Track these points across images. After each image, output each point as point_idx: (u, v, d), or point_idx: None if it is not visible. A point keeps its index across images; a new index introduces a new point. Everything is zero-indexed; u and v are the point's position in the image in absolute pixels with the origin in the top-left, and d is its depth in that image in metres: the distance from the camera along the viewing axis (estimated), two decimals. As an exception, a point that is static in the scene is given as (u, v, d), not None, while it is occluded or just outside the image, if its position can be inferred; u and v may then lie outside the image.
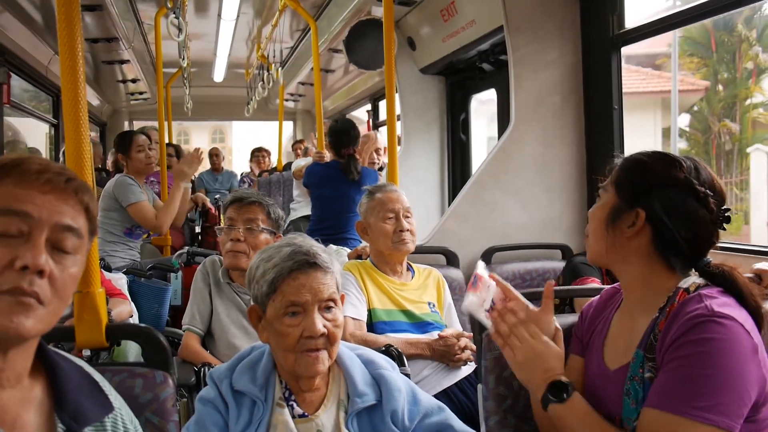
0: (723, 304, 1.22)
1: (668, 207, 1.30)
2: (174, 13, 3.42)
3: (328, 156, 4.18)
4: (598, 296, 1.56)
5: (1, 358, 0.95)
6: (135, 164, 3.85)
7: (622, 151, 3.05)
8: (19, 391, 1.00)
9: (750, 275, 1.89)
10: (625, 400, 1.30)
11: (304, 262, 1.47)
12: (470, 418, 1.82)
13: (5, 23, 3.98)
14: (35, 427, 1.00)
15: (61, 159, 4.83)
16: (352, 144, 3.86)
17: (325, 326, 1.45)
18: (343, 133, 3.86)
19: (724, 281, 1.28)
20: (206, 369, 1.87)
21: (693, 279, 1.31)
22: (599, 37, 3.04)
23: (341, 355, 1.55)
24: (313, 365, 1.45)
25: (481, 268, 1.55)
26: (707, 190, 1.30)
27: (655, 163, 1.35)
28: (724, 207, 1.33)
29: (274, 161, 8.05)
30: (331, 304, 1.48)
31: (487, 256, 3.02)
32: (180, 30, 3.77)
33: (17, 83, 4.70)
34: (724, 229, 1.33)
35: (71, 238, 0.99)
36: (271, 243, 2.29)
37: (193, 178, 7.45)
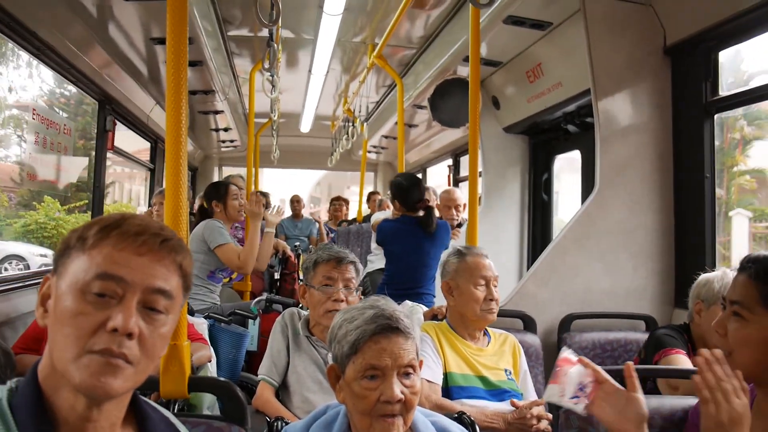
0: None
1: None
2: (268, 71, 3.59)
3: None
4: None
5: (96, 411, 1.00)
6: (229, 211, 4.04)
7: (713, 221, 2.94)
8: None
9: None
10: None
11: (387, 326, 1.48)
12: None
13: (113, 74, 4.29)
14: None
15: (155, 199, 5.10)
16: (423, 197, 3.89)
17: (402, 392, 1.44)
18: (413, 188, 3.89)
19: None
20: (280, 423, 1.89)
21: None
22: (691, 104, 2.97)
23: (416, 421, 1.54)
24: (389, 430, 1.44)
25: (565, 353, 1.52)
26: None
27: None
28: None
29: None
30: (410, 370, 1.48)
31: (566, 324, 2.94)
32: (273, 87, 3.96)
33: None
34: None
35: (163, 299, 1.03)
36: (356, 302, 2.33)
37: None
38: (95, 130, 4.46)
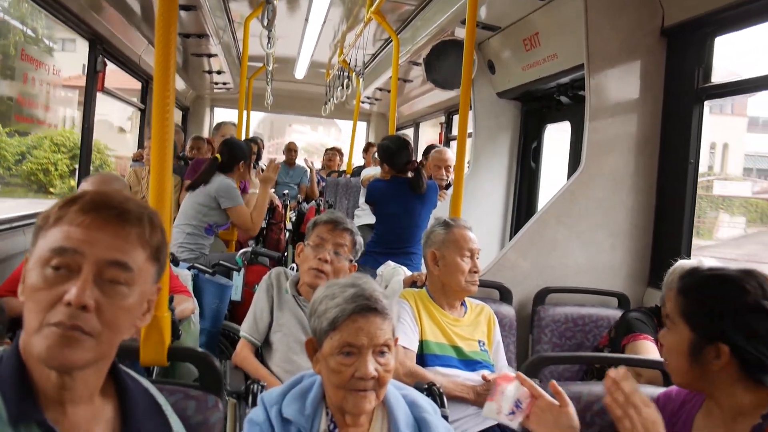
0: None
1: (747, 334, 1.31)
2: (266, 28, 3.55)
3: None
4: (676, 391, 1.56)
5: (69, 380, 1.04)
6: (247, 172, 4.11)
7: (693, 206, 3.00)
8: (90, 407, 1.09)
9: None
10: None
11: (366, 306, 1.53)
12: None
13: (104, 13, 4.21)
14: None
15: (146, 143, 5.10)
16: (411, 159, 3.92)
17: (376, 369, 1.51)
18: (401, 151, 3.92)
19: None
20: (257, 386, 1.97)
21: None
22: (683, 89, 2.98)
23: (387, 394, 1.62)
24: (361, 404, 1.52)
25: (504, 370, 1.65)
26: None
27: (722, 292, 1.35)
28: None
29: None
30: (385, 349, 1.55)
31: (542, 297, 3.02)
32: (270, 41, 3.92)
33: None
34: None
35: (122, 272, 1.05)
36: (347, 270, 2.39)
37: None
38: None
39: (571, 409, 1.50)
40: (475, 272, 2.47)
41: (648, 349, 2.34)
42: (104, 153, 5.65)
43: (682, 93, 3.00)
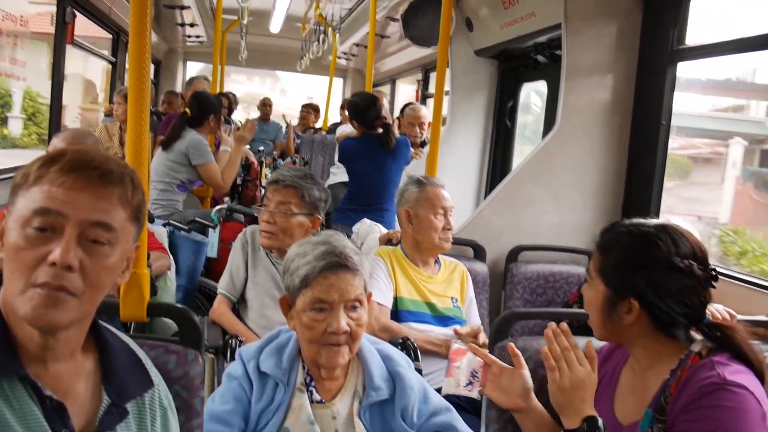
0: (734, 371, 1.28)
1: (658, 290, 1.34)
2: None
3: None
4: (607, 344, 1.60)
5: (52, 340, 1.05)
6: (217, 126, 4.06)
7: (663, 168, 3.06)
8: (72, 363, 1.11)
9: (766, 318, 1.93)
10: None
11: (336, 263, 1.57)
12: (476, 415, 1.91)
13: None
14: (84, 398, 1.11)
15: (115, 98, 4.99)
16: (380, 116, 3.93)
17: (348, 324, 1.56)
18: (370, 108, 3.93)
19: (728, 344, 1.34)
20: (235, 342, 2.01)
21: (702, 342, 1.37)
22: (657, 50, 3.00)
23: (362, 348, 1.66)
24: (334, 358, 1.57)
25: (455, 345, 1.65)
26: (689, 261, 1.34)
27: (635, 248, 1.38)
28: (710, 267, 1.37)
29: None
30: (357, 304, 1.59)
31: (515, 254, 3.07)
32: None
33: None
34: (714, 287, 1.37)
35: (104, 233, 1.05)
36: (307, 225, 2.41)
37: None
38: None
39: (526, 371, 1.54)
40: (449, 229, 2.51)
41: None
42: (36, 101, 5.48)
43: (656, 55, 3.02)
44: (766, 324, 1.92)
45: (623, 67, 3.13)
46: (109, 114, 5.42)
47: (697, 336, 1.40)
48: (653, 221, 1.43)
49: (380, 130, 3.92)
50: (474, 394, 1.59)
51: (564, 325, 1.50)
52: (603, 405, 1.51)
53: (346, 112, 5.87)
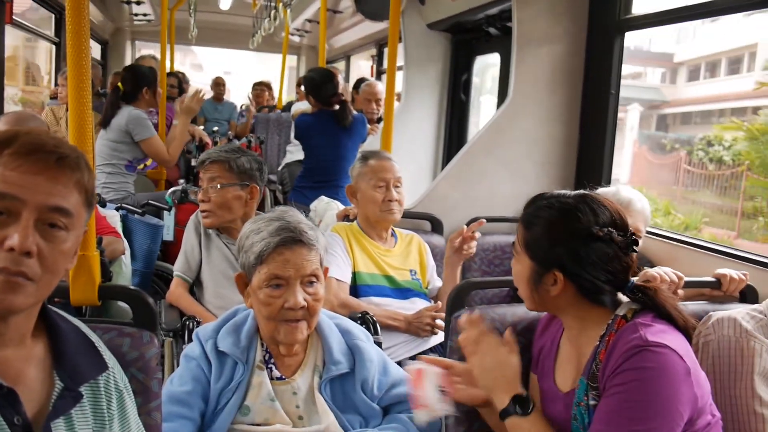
0: (657, 331, 1.32)
1: (579, 260, 1.37)
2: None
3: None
4: (545, 315, 1.64)
5: (2, 324, 1.04)
6: (156, 99, 3.95)
7: (614, 135, 3.12)
8: (22, 349, 1.09)
9: (712, 279, 2.00)
10: (573, 424, 1.41)
11: (290, 239, 1.56)
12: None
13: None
14: (36, 383, 1.10)
15: (59, 81, 4.83)
16: (337, 92, 3.91)
17: (305, 299, 1.56)
18: (327, 84, 3.91)
19: (651, 305, 1.39)
20: (192, 323, 2.00)
21: (628, 305, 1.42)
22: (605, 20, 3.05)
23: (321, 323, 1.67)
24: (292, 334, 1.57)
25: (414, 367, 1.56)
26: (608, 228, 1.37)
27: (555, 221, 1.41)
28: (630, 233, 1.40)
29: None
30: (313, 279, 1.59)
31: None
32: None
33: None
34: (636, 251, 1.41)
35: (61, 217, 1.04)
36: (245, 197, 2.40)
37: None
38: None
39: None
40: (392, 201, 2.51)
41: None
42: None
43: (604, 25, 3.06)
44: (710, 284, 1.99)
45: (573, 38, 3.17)
46: (54, 96, 5.25)
47: (624, 299, 1.44)
48: (573, 193, 1.45)
49: (336, 107, 3.90)
50: (448, 408, 1.53)
51: (475, 314, 1.55)
52: (545, 375, 1.55)
53: (302, 89, 5.81)
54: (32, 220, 1.01)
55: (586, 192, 1.48)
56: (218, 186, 2.39)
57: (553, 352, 1.56)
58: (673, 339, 1.32)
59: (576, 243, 1.38)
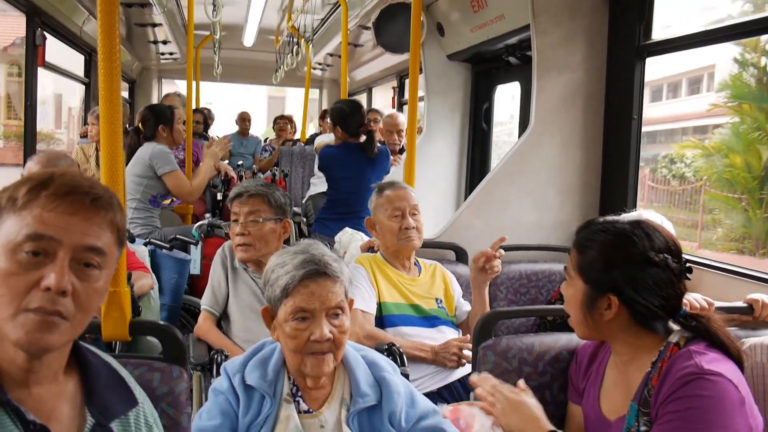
0: (711, 360, 1.31)
1: (635, 285, 1.38)
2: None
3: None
4: (592, 342, 1.63)
5: (36, 363, 1.06)
6: (175, 136, 4.03)
7: (638, 160, 3.10)
8: (54, 386, 1.11)
9: (743, 305, 1.97)
10: None
11: (315, 271, 1.57)
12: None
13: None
14: (68, 419, 1.11)
15: (89, 119, 4.96)
16: (364, 122, 3.96)
17: (331, 332, 1.56)
18: (355, 114, 3.95)
19: (705, 333, 1.37)
20: (220, 357, 2.01)
21: (680, 333, 1.40)
22: (625, 46, 3.05)
23: (347, 355, 1.67)
24: (319, 366, 1.57)
25: (462, 412, 1.58)
26: (663, 254, 1.38)
27: (612, 245, 1.42)
28: (683, 260, 1.41)
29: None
30: (339, 311, 1.59)
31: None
32: (215, 9, 3.85)
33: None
34: (689, 278, 1.41)
35: (95, 257, 1.07)
36: (279, 230, 2.43)
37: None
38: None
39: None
40: (409, 229, 2.51)
41: (596, 299, 2.44)
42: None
43: (624, 50, 3.07)
44: (742, 310, 1.95)
45: (593, 65, 3.18)
46: (84, 135, 5.39)
47: (675, 327, 1.43)
48: (627, 217, 1.47)
49: (363, 138, 3.94)
50: None
51: (484, 374, 1.58)
52: (590, 403, 1.54)
53: (327, 121, 5.87)
54: (67, 260, 1.04)
55: (641, 218, 1.50)
56: (260, 219, 2.42)
57: (598, 381, 1.55)
58: (728, 368, 1.32)
59: (632, 267, 1.39)
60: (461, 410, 1.59)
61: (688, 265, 1.41)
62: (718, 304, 1.92)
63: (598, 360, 1.58)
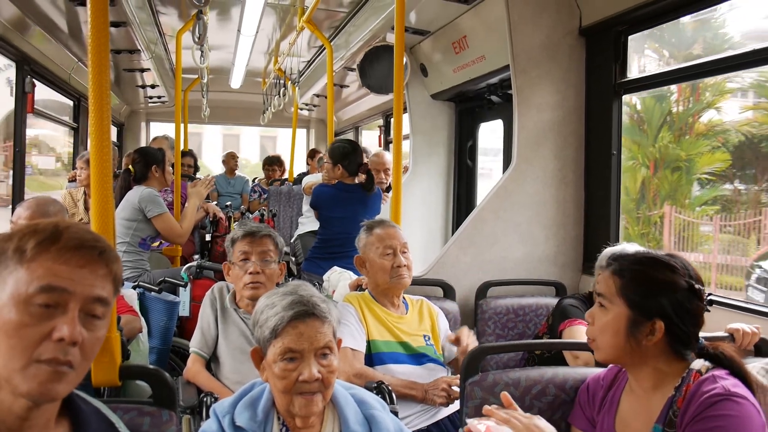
0: (735, 384, 1.39)
1: (679, 311, 1.45)
2: (198, 44, 3.55)
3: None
4: (604, 371, 1.69)
5: (35, 411, 1.08)
6: (166, 177, 4.07)
7: (618, 195, 3.17)
8: None
9: (725, 334, 2.01)
10: None
11: (304, 312, 1.60)
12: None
13: (31, 34, 4.14)
14: None
15: (78, 164, 4.99)
16: (363, 161, 4.01)
17: (320, 372, 1.58)
18: (356, 153, 3.99)
19: (728, 364, 1.44)
20: (209, 399, 2.01)
21: (701, 362, 1.47)
22: (602, 84, 3.16)
23: (336, 394, 1.68)
24: (308, 406, 1.58)
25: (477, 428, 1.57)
26: (700, 285, 1.47)
27: (657, 273, 1.49)
28: (706, 291, 1.49)
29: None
30: (327, 351, 1.61)
31: (483, 290, 3.13)
32: (203, 55, 3.93)
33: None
34: (709, 310, 1.50)
35: (101, 306, 1.11)
36: (277, 272, 2.46)
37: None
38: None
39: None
40: (400, 267, 2.54)
41: (583, 333, 2.47)
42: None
43: (601, 88, 3.17)
44: (724, 339, 2.00)
45: (572, 102, 3.27)
46: (72, 180, 5.40)
47: (698, 358, 1.49)
48: (656, 251, 1.54)
49: (362, 177, 3.98)
50: None
51: (489, 408, 1.55)
52: (605, 430, 1.58)
53: (317, 162, 5.92)
54: (77, 311, 1.07)
55: (671, 252, 1.58)
56: (272, 259, 2.49)
57: (612, 409, 1.59)
58: (748, 393, 1.38)
59: (678, 295, 1.46)
60: (491, 428, 1.59)
61: (710, 296, 1.51)
62: (702, 334, 1.96)
63: (612, 390, 1.63)
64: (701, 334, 1.94)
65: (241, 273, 2.47)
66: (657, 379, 1.50)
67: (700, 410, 1.36)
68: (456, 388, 2.33)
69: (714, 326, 2.06)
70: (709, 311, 1.50)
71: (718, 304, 2.44)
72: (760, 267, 7.02)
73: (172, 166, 4.36)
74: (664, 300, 1.45)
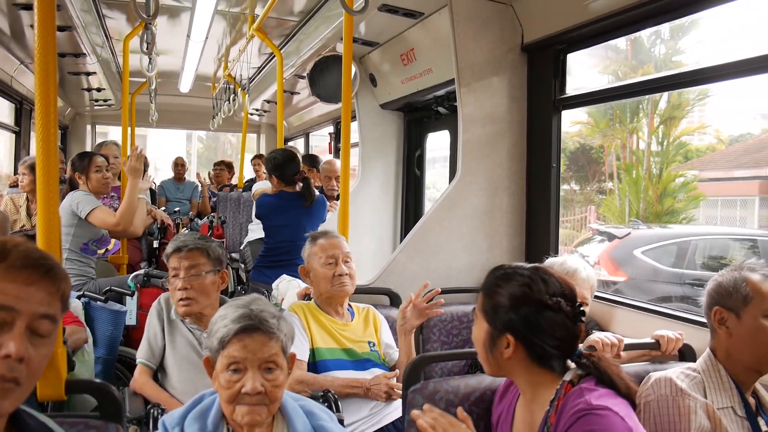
0: (600, 396, 1.45)
1: (530, 326, 1.52)
2: (144, 44, 3.52)
3: None
4: (502, 383, 1.76)
5: None
6: (93, 184, 3.93)
7: (558, 206, 3.31)
8: None
9: (651, 341, 2.14)
10: None
11: (250, 326, 1.65)
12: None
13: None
14: None
15: (20, 169, 4.87)
16: (299, 170, 4.05)
17: (263, 385, 1.62)
18: (289, 163, 4.03)
19: (595, 371, 1.51)
20: (156, 411, 2.03)
21: (573, 371, 1.54)
22: (542, 100, 3.28)
23: (285, 405, 1.73)
24: (250, 417, 1.63)
25: None
26: (557, 298, 1.53)
27: (507, 289, 1.56)
28: (577, 303, 1.56)
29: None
30: (272, 366, 1.66)
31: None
32: (150, 64, 3.90)
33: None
34: (582, 321, 1.56)
35: (48, 323, 1.13)
36: (218, 282, 2.48)
37: (153, 186, 7.53)
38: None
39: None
40: (342, 275, 2.62)
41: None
42: None
43: (542, 103, 3.29)
44: (650, 346, 2.12)
45: (514, 116, 3.39)
46: (14, 185, 5.26)
47: (572, 366, 1.57)
48: (529, 265, 1.61)
49: (299, 186, 4.02)
50: None
51: (427, 405, 1.69)
52: None
53: (263, 169, 5.91)
54: (23, 328, 1.09)
55: (539, 264, 1.64)
56: (203, 273, 2.45)
57: (509, 419, 1.66)
58: (615, 402, 1.45)
59: (528, 310, 1.52)
60: None
61: (582, 308, 1.56)
62: (627, 340, 2.07)
63: (507, 399, 1.70)
64: (627, 340, 2.07)
65: (173, 289, 2.48)
66: (533, 392, 1.57)
67: (566, 426, 1.42)
68: (396, 383, 2.42)
69: (645, 332, 2.20)
70: (582, 322, 1.55)
71: (648, 311, 2.59)
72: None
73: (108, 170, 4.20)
74: (513, 315, 1.53)
